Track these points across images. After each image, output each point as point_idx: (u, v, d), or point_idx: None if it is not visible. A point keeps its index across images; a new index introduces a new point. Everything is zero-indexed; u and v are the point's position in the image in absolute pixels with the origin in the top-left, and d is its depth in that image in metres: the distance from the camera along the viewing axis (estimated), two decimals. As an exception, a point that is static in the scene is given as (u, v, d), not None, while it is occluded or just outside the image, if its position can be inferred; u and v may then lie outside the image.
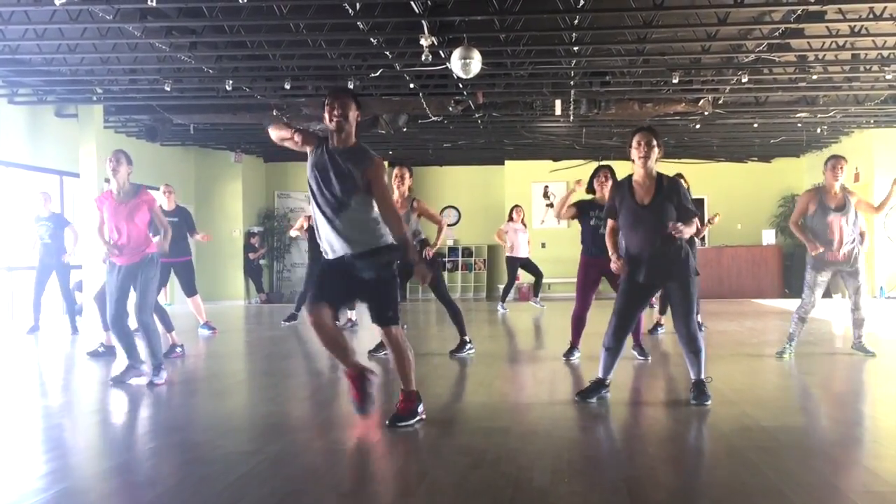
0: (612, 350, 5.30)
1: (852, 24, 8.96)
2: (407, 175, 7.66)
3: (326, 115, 4.54)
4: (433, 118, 12.90)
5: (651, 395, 5.91)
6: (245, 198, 18.11)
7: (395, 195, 7.62)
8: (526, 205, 17.23)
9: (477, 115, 13.13)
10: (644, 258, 5.14)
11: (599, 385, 5.37)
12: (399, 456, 4.14)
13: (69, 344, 9.78)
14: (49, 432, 4.84)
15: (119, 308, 6.32)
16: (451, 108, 12.39)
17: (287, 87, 11.10)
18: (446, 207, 19.48)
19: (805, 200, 7.20)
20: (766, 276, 17.05)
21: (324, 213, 4.55)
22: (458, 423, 4.91)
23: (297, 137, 4.61)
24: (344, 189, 4.50)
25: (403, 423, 4.61)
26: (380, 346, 7.82)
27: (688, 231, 5.07)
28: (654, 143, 5.11)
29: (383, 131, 13.41)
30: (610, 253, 5.41)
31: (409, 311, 13.20)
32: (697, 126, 14.14)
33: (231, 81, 11.02)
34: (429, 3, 8.07)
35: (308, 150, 4.65)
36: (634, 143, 5.13)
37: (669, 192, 5.13)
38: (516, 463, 3.88)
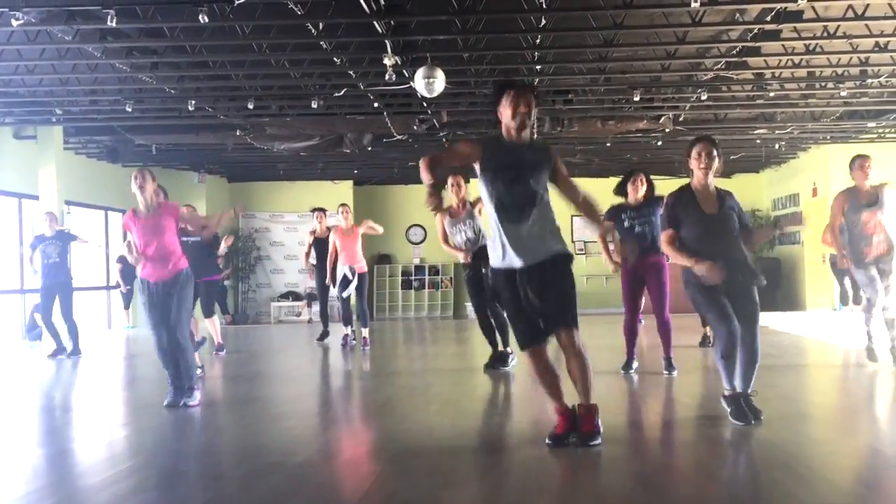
0: (733, 358, 4.93)
1: (807, 42, 9.17)
2: (462, 183, 7.91)
3: (510, 111, 4.46)
4: (398, 137, 12.92)
5: (627, 411, 5.92)
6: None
7: (454, 202, 7.86)
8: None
9: (442, 134, 13.18)
10: (719, 265, 4.84)
11: (738, 398, 4.97)
12: (367, 476, 4.10)
13: (72, 364, 9.65)
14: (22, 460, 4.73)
15: (160, 333, 6.18)
16: (415, 127, 12.42)
17: (250, 106, 11.06)
18: (412, 226, 19.46)
19: (839, 203, 7.18)
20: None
21: (508, 217, 4.44)
22: (427, 442, 4.89)
23: (467, 152, 4.57)
24: (537, 182, 4.48)
25: (595, 442, 4.41)
26: (494, 361, 7.80)
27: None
28: (715, 153, 5.00)
29: (348, 150, 13.39)
30: (681, 262, 5.01)
31: (375, 330, 13.13)
32: (659, 143, 14.32)
33: (193, 101, 10.94)
34: (392, 22, 8.11)
35: (476, 158, 4.53)
36: (695, 154, 5.00)
37: (731, 203, 5.07)
38: (485, 481, 3.87)
